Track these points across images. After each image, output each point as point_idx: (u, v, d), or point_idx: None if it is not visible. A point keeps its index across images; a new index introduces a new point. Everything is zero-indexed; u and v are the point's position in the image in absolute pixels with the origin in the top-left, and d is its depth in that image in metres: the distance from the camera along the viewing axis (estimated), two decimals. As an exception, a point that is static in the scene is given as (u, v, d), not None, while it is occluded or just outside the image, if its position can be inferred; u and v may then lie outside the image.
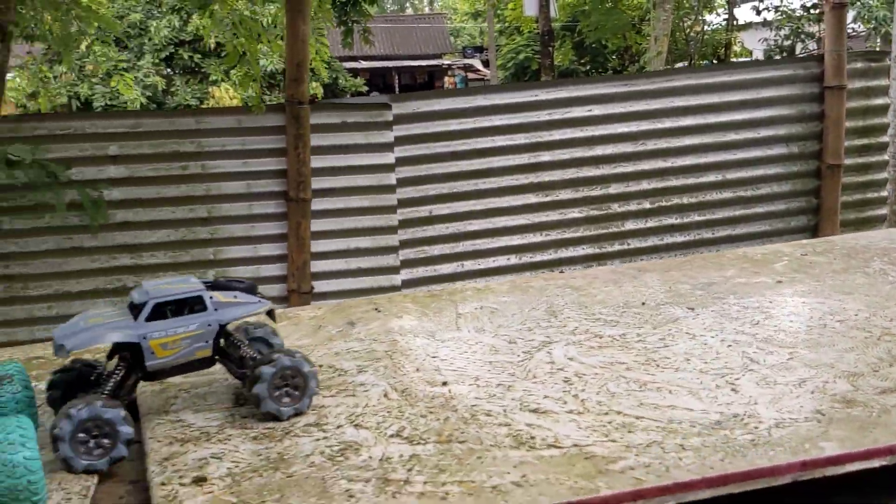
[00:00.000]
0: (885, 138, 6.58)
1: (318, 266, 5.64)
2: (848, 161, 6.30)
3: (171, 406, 1.93)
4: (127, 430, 1.71)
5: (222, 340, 1.92)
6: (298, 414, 1.81)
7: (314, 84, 18.39)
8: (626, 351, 2.05)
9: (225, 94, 19.40)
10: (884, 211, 6.67)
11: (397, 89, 42.96)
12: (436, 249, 5.83)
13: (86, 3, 5.90)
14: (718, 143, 6.17)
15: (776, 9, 30.14)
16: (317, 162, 5.48)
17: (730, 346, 2.02)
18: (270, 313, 2.00)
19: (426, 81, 45.80)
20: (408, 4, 61.31)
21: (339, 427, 1.74)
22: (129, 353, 1.83)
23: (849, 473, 1.48)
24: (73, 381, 1.89)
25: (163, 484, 1.53)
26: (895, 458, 1.47)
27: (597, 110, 5.93)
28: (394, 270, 5.79)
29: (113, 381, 1.82)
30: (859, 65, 6.33)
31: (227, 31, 5.25)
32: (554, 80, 5.46)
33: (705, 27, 29.44)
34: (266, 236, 5.58)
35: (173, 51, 20.02)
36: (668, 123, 6.06)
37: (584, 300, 2.51)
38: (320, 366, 2.11)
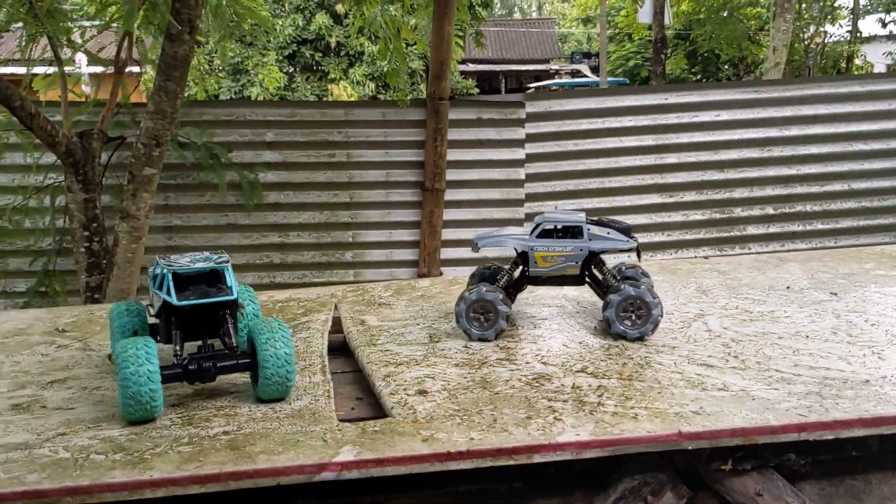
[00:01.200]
0: None
1: (446, 253, 5.99)
2: (981, 176, 6.23)
3: (377, 341, 2.28)
4: (504, 308, 2.21)
5: (593, 266, 2.34)
6: (641, 339, 2.18)
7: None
8: (776, 324, 2.28)
9: (343, 91, 20.11)
10: None
11: (503, 93, 43.18)
12: (559, 243, 6.10)
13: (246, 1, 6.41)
14: (846, 152, 6.22)
15: (904, 21, 28.90)
16: (452, 155, 5.82)
17: (874, 325, 2.21)
18: (638, 253, 2.39)
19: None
20: (516, 9, 61.41)
21: (528, 363, 2.04)
22: (523, 260, 2.33)
23: None
24: (487, 276, 2.44)
25: (392, 394, 1.86)
26: None
27: (725, 115, 6.07)
28: (518, 261, 6.09)
29: (505, 277, 2.36)
30: None
31: (378, 29, 5.64)
32: (684, 84, 5.63)
33: (826, 39, 28.52)
34: (401, 222, 5.96)
35: (296, 49, 20.89)
36: (795, 131, 6.15)
37: (730, 283, 2.74)
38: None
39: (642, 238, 6.13)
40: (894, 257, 2.92)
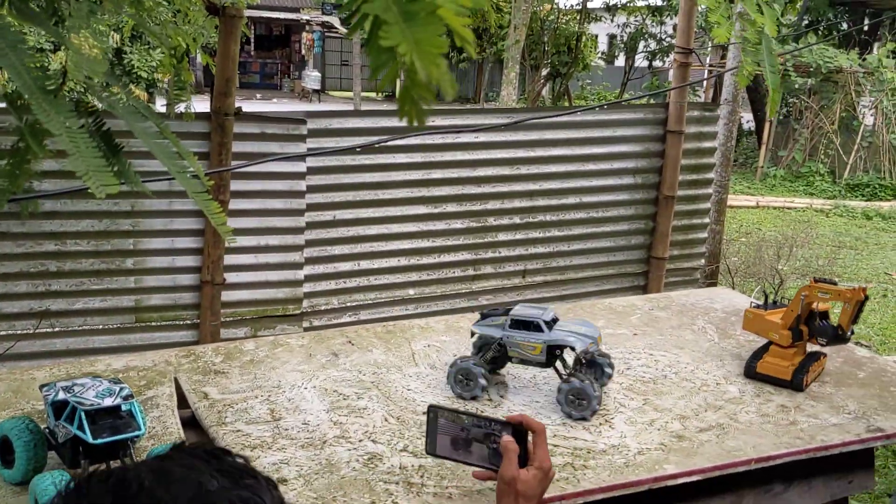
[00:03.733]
0: (711, 175, 7.98)
1: (229, 260, 6.28)
2: (680, 193, 7.61)
3: (225, 419, 2.70)
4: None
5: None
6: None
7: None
8: (537, 391, 3.01)
9: (84, 42, 18.80)
10: (703, 234, 8.09)
11: (252, 40, 42.03)
12: (336, 249, 6.63)
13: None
14: (579, 171, 7.31)
15: (624, 7, 31.98)
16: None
17: (605, 393, 3.02)
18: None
19: (283, 34, 45.02)
20: (265, -51, 59.34)
21: (360, 441, 2.58)
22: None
23: (679, 485, 2.50)
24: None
25: (259, 484, 2.33)
26: (706, 475, 2.52)
27: (482, 137, 6.88)
28: (298, 266, 6.53)
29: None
30: (696, 113, 7.63)
31: (162, 40, 5.71)
32: (449, 110, 6.34)
33: (559, 17, 30.79)
34: (184, 230, 6.15)
35: (28, -12, 19.12)
36: (539, 152, 7.11)
37: (501, 341, 3.44)
38: (325, 389, 2.94)
39: (411, 244, 6.84)
40: (618, 313, 3.79)
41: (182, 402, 2.89)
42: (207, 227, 6.10)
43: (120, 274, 6.06)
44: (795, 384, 3.13)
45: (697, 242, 8.00)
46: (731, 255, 12.76)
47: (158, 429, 2.62)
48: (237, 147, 6.05)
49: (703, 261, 8.14)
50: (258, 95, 36.94)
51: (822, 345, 3.21)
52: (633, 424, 2.76)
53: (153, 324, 6.27)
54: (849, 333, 3.13)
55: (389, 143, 6.55)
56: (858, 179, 20.44)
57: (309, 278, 6.58)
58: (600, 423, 2.76)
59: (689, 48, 7.11)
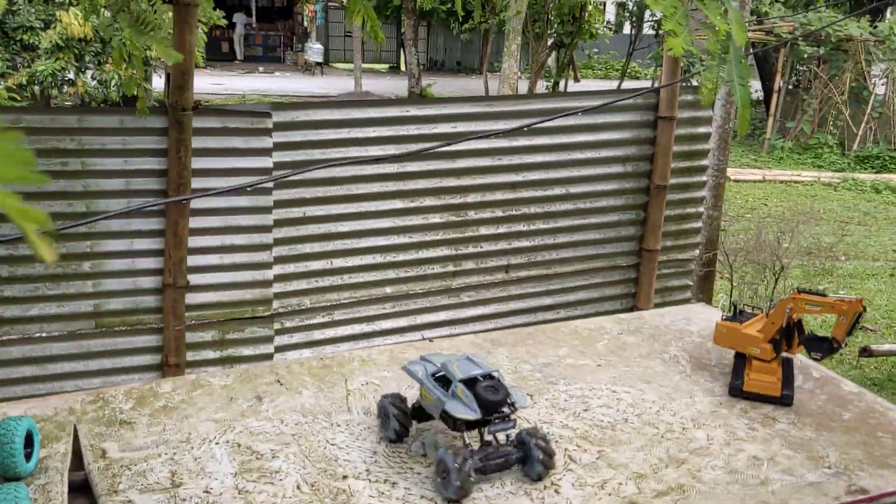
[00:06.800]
0: (705, 162, 7.58)
1: (193, 261, 5.96)
2: (672, 181, 7.22)
3: (118, 485, 2.39)
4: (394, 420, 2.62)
5: None
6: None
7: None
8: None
9: (74, 19, 18.38)
10: (698, 224, 7.71)
11: (254, 12, 41.53)
12: (307, 247, 6.29)
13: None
14: (565, 160, 6.93)
15: (630, -28, 31.21)
16: (197, 163, 5.75)
17: (557, 441, 2.69)
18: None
19: (285, 6, 44.41)
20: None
21: (261, 522, 2.28)
22: None
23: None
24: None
25: (137, 579, 2.03)
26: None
27: (460, 127, 6.50)
28: (266, 266, 6.21)
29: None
30: (689, 97, 7.21)
31: (109, 27, 5.35)
32: (424, 99, 6.04)
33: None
34: (143, 231, 5.82)
35: (14, -36, 18.64)
36: (522, 141, 6.73)
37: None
38: (238, 445, 2.63)
39: (386, 241, 6.50)
40: (584, 339, 3.46)
41: (79, 458, 2.59)
42: (168, 228, 5.77)
43: (77, 278, 5.75)
44: (785, 400, 2.96)
45: (692, 232, 7.63)
46: (734, 233, 12.40)
47: (41, 501, 2.32)
48: (197, 143, 5.70)
49: (697, 251, 7.78)
50: (260, 69, 36.36)
51: (816, 359, 3.00)
52: (581, 487, 2.44)
53: (115, 329, 5.98)
54: (843, 345, 2.90)
55: (361, 136, 6.20)
56: (868, 151, 19.91)
57: (279, 278, 6.26)
58: (545, 487, 2.44)
59: (680, 29, 6.66)
